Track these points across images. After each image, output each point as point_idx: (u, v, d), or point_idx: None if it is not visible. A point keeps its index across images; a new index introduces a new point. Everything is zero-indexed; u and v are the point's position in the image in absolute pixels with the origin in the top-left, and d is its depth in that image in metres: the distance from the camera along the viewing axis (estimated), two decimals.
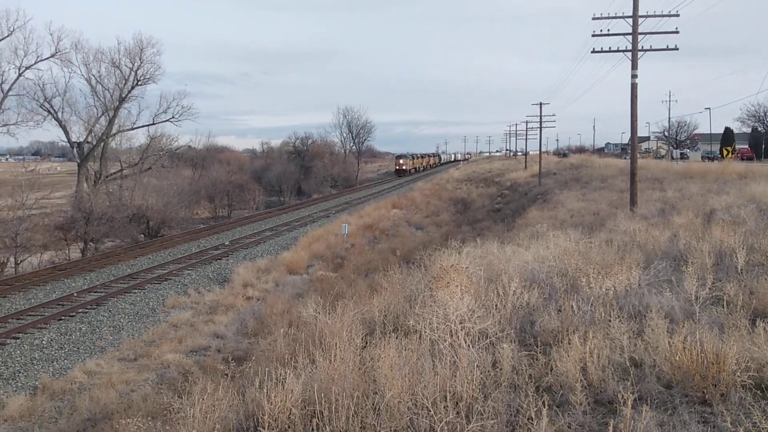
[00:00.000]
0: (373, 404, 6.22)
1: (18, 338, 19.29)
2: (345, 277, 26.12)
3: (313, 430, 6.05)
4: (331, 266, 30.96)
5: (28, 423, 14.37)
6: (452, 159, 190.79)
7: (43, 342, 19.21)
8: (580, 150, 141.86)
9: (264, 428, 6.15)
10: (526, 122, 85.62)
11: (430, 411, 5.93)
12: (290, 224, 45.75)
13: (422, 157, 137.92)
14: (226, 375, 8.91)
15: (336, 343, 7.97)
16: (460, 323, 8.29)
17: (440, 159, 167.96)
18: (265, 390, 6.60)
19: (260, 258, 32.08)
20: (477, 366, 6.75)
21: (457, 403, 6.15)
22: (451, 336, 7.93)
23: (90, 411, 14.44)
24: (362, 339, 8.64)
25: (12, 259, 32.68)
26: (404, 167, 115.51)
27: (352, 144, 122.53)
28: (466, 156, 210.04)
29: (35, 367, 17.63)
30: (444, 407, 5.93)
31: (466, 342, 7.70)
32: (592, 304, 9.48)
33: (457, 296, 9.17)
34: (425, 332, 8.33)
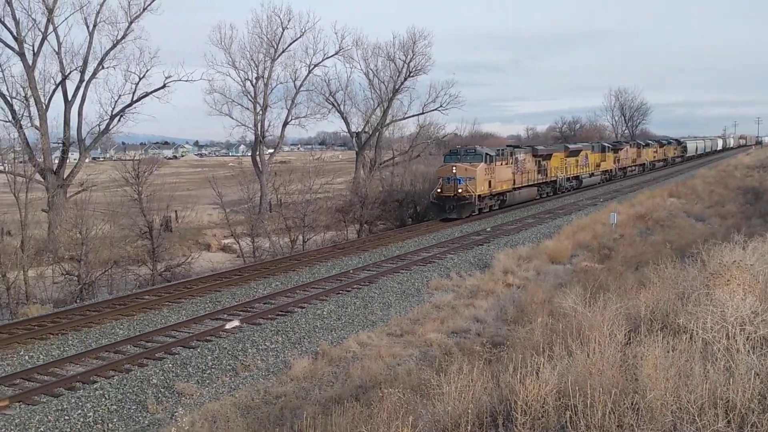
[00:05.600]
0: (632, 403, 5.89)
1: (303, 308, 21.69)
2: (611, 270, 24.88)
3: (566, 422, 5.92)
4: (596, 257, 29.68)
5: (309, 384, 16.10)
6: (719, 147, 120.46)
7: (324, 312, 21.35)
8: None
9: (517, 414, 6.17)
10: None
11: (696, 417, 5.43)
12: (554, 212, 44.79)
13: (600, 149, 61.10)
14: (482, 358, 9.10)
15: (595, 337, 7.67)
16: (740, 326, 7.44)
17: (684, 150, 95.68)
18: (518, 376, 6.61)
19: (521, 245, 31.96)
20: (756, 374, 6.01)
21: (728, 412, 5.55)
22: (728, 339, 7.15)
23: (361, 379, 15.72)
24: (624, 335, 8.19)
25: (300, 237, 36.88)
26: (462, 191, 38.61)
27: (624, 128, 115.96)
28: (740, 141, 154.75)
29: (317, 334, 19.70)
30: (713, 415, 5.40)
31: (745, 347, 6.88)
32: None
33: (738, 296, 8.26)
34: (697, 333, 7.63)
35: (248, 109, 50.70)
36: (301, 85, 52.73)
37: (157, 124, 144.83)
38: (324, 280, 25.55)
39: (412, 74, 56.89)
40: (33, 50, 38.21)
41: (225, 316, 20.62)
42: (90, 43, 40.16)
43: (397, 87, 56.75)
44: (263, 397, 15.40)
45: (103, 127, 41.75)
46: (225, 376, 16.56)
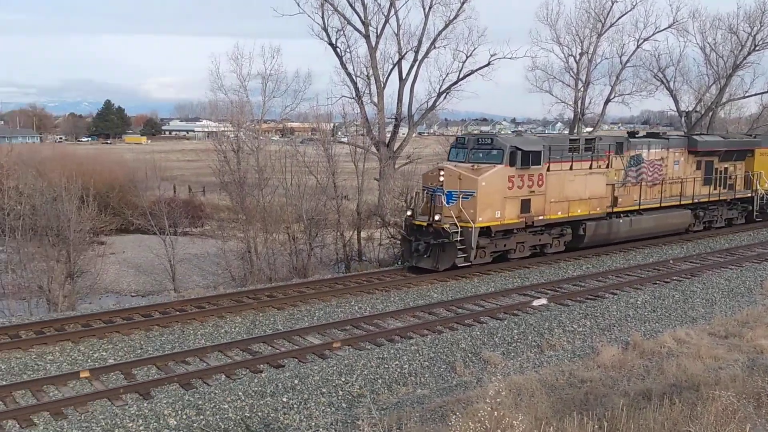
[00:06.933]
0: None
1: (615, 294, 20.79)
2: None
3: None
4: None
5: (618, 374, 15.40)
6: None
7: (638, 302, 20.21)
8: None
9: None
10: None
11: None
12: None
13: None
14: None
15: None
16: None
17: None
18: None
19: None
20: None
21: None
22: None
23: (676, 377, 14.55)
24: None
25: None
26: (444, 219, 21.59)
27: None
28: None
29: (628, 323, 18.74)
30: None
31: None
32: None
33: None
34: None
35: (569, 85, 49.62)
36: (627, 61, 49.83)
37: (478, 100, 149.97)
38: (639, 267, 24.23)
39: (757, 48, 50.11)
40: (376, 33, 42.17)
41: (533, 292, 20.77)
42: (425, 24, 42.92)
43: (738, 62, 50.52)
44: (568, 379, 15.18)
45: (430, 104, 44.54)
46: (530, 352, 16.71)
